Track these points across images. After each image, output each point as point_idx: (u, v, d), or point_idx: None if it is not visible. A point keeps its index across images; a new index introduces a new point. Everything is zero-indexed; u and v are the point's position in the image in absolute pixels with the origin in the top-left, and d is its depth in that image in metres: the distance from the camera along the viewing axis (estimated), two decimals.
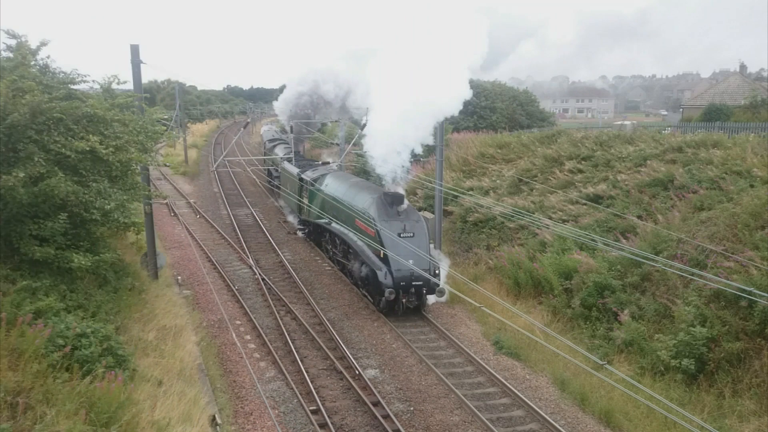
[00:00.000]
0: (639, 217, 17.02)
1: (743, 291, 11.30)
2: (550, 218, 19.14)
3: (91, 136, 11.31)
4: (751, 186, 15.45)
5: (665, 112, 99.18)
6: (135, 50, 16.11)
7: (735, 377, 11.67)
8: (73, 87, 12.63)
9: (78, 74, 12.85)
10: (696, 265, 13.54)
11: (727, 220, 14.30)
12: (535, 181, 22.63)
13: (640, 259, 13.17)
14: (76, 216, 11.49)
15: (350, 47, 73.63)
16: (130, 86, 15.98)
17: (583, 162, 22.23)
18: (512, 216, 19.69)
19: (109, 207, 11.70)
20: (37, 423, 7.45)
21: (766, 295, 10.94)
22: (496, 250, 20.04)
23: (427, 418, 11.86)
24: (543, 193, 21.69)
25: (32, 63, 12.21)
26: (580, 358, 12.98)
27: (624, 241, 16.09)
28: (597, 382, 12.52)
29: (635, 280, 14.76)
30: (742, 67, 47.70)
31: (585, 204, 18.99)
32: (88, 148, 11.07)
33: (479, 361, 14.13)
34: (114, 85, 14.24)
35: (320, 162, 29.50)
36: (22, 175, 9.92)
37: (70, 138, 11.11)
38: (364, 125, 21.68)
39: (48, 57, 12.84)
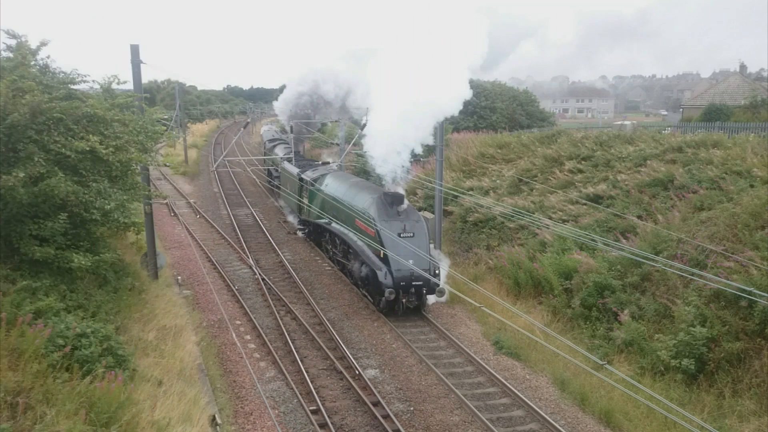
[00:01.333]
0: (639, 217, 17.02)
1: (743, 291, 11.30)
2: (550, 218, 19.14)
3: (91, 136, 11.31)
4: (751, 186, 15.45)
5: (665, 112, 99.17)
6: (135, 50, 16.12)
7: (735, 377, 11.67)
8: (73, 87, 12.62)
9: (78, 74, 12.85)
10: (696, 265, 13.54)
11: (727, 220, 14.30)
12: (535, 181, 22.63)
13: (640, 259, 13.16)
14: (76, 216, 11.49)
15: (350, 47, 73.71)
16: (130, 86, 15.99)
17: (583, 162, 22.24)
18: (512, 216, 19.69)
19: (109, 207, 11.70)
20: (37, 423, 7.45)
21: (766, 295, 10.93)
22: (496, 250, 20.04)
23: (427, 418, 11.86)
24: (543, 193, 21.69)
25: (32, 63, 12.21)
26: (580, 358, 12.97)
27: (624, 241, 16.08)
28: (597, 382, 12.52)
29: (635, 280, 14.75)
30: (742, 67, 47.68)
31: (585, 204, 18.99)
32: (88, 148, 11.07)
33: (479, 361, 14.13)
34: (114, 85, 14.25)
35: (320, 162, 29.49)
36: (22, 175, 9.92)
37: (70, 138, 11.11)
38: (364, 125, 21.68)
39: (48, 57, 12.87)
